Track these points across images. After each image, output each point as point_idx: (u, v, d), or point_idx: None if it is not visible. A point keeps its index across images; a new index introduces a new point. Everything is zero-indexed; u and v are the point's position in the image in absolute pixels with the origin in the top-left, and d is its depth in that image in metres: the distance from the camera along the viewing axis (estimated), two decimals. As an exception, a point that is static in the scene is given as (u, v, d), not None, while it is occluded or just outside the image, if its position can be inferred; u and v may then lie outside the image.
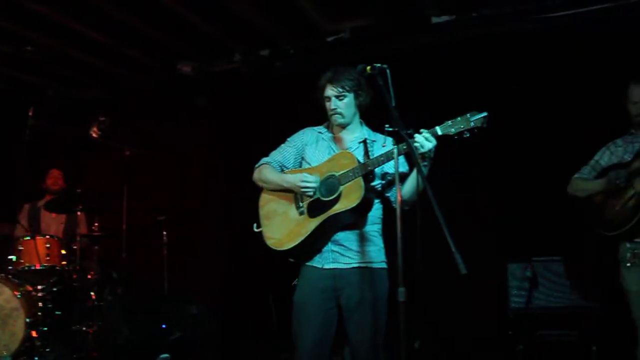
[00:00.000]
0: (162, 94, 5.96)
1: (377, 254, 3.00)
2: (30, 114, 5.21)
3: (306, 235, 2.94)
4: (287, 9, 4.80)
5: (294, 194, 3.07)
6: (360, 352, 2.95)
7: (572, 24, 4.54)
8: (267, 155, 3.25)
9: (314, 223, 2.93)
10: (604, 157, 3.74)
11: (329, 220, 2.91)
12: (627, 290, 3.51)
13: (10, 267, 4.85)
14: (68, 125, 6.22)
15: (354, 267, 2.96)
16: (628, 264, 3.48)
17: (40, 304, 4.66)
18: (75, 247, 5.14)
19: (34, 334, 4.51)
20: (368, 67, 2.63)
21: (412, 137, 2.64)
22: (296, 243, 2.96)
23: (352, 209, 2.84)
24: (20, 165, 5.65)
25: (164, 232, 5.52)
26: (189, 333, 4.50)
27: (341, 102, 3.04)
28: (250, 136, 5.18)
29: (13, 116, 6.03)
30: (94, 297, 5.02)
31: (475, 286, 4.73)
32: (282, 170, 3.19)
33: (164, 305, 4.69)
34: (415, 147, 2.71)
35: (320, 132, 3.20)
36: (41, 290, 4.75)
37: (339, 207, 2.87)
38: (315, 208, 2.96)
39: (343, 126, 3.13)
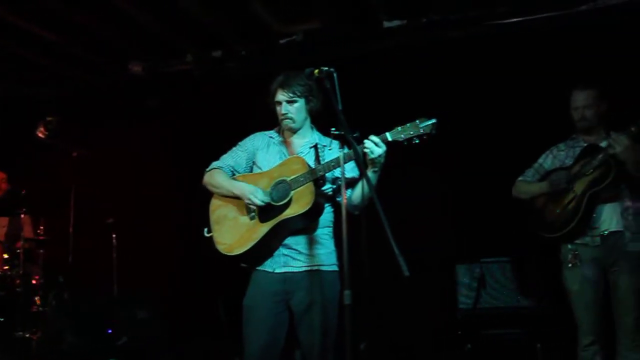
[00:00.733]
0: (113, 94, 5.83)
1: (327, 257, 3.01)
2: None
3: (257, 240, 2.93)
4: (240, 10, 4.77)
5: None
6: (311, 355, 2.95)
7: (520, 30, 4.65)
8: (217, 159, 3.23)
9: (265, 228, 2.93)
10: (547, 160, 3.85)
11: (279, 225, 2.91)
12: (569, 290, 3.62)
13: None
14: (14, 124, 6.03)
15: (304, 271, 2.96)
16: (569, 265, 3.59)
17: (-19, 311, 4.52)
18: (18, 250, 4.99)
19: (-25, 341, 4.37)
20: (316, 71, 2.64)
21: (358, 140, 2.66)
22: (247, 248, 2.95)
23: (303, 214, 2.85)
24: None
25: (113, 235, 5.41)
26: (137, 337, 4.42)
27: (292, 107, 3.04)
28: (202, 138, 5.13)
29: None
30: (38, 302, 4.88)
31: (425, 287, 4.82)
32: (234, 174, 3.17)
33: (111, 309, 4.58)
34: (365, 153, 2.75)
35: (271, 137, 3.20)
36: (-18, 296, 4.61)
37: (289, 212, 2.88)
38: (266, 213, 2.95)
39: (294, 131, 3.13)
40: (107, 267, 5.30)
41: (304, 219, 2.89)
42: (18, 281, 4.86)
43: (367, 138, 2.76)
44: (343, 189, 2.54)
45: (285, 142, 3.16)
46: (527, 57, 4.66)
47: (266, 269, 3.00)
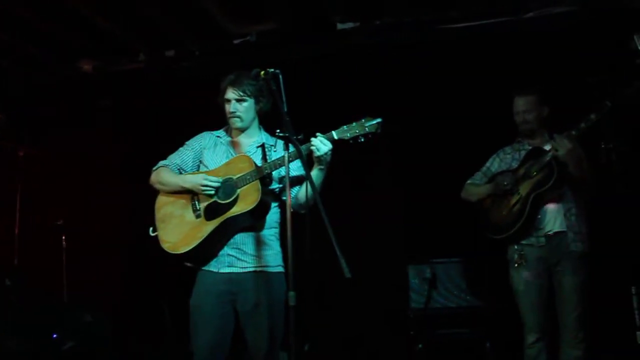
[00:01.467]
0: (62, 92, 5.69)
1: (273, 258, 3.01)
2: None
3: (202, 238, 2.91)
4: (193, 10, 4.71)
5: (190, 197, 3.04)
6: (258, 356, 2.94)
7: (470, 35, 4.73)
8: (166, 158, 3.20)
9: (211, 226, 2.91)
10: (494, 163, 3.94)
11: (225, 223, 2.89)
12: (515, 289, 3.70)
13: None
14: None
15: (249, 272, 2.95)
16: (515, 265, 3.67)
17: None
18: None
19: None
20: (262, 72, 2.64)
21: (301, 141, 2.68)
22: (192, 247, 2.92)
23: (249, 211, 2.85)
24: None
25: (63, 237, 5.27)
26: (83, 342, 4.31)
27: (241, 106, 3.05)
28: (153, 137, 5.05)
29: None
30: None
31: (377, 288, 4.87)
32: (181, 173, 3.14)
33: (56, 314, 4.45)
34: (312, 151, 2.78)
35: (218, 136, 3.19)
36: None
37: (236, 210, 2.87)
38: (212, 211, 2.94)
39: (241, 130, 3.13)
40: (56, 270, 5.15)
41: (250, 217, 2.88)
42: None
43: (313, 137, 2.78)
44: (288, 189, 2.55)
45: (233, 142, 3.16)
46: (476, 61, 4.73)
47: (211, 269, 2.98)
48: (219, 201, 2.93)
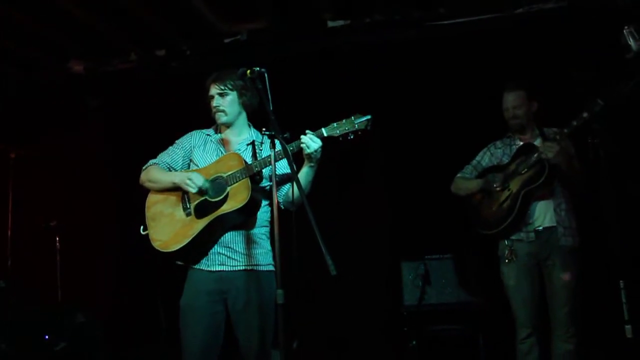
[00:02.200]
0: (52, 93, 5.67)
1: (264, 257, 3.01)
2: None
3: (193, 236, 2.90)
4: (184, 10, 4.72)
5: (181, 195, 3.04)
6: (250, 355, 2.94)
7: (460, 32, 4.75)
8: (156, 157, 3.20)
9: (201, 224, 2.91)
10: (485, 157, 3.95)
11: (216, 221, 2.89)
12: (506, 284, 3.72)
13: None
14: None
15: (240, 270, 2.95)
16: (506, 260, 3.68)
17: None
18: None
19: None
20: (248, 71, 2.65)
21: (287, 140, 2.69)
22: (182, 245, 2.92)
23: (240, 209, 2.85)
24: None
25: (57, 238, 5.25)
26: (75, 342, 4.30)
27: (224, 100, 3.06)
28: (145, 137, 5.03)
29: None
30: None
31: (371, 285, 4.88)
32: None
33: (48, 315, 4.44)
34: (302, 148, 2.79)
35: (208, 135, 3.20)
36: None
37: (226, 208, 2.87)
38: (203, 209, 2.94)
39: (228, 126, 3.13)
40: (49, 271, 5.14)
41: (241, 214, 2.88)
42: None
43: (303, 134, 2.79)
44: (274, 187, 2.55)
45: (223, 140, 3.16)
46: (465, 58, 4.75)
47: (202, 268, 2.98)
48: (209, 199, 2.93)
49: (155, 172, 3.10)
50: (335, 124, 2.81)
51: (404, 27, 4.85)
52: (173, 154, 3.17)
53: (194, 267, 3.00)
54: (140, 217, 3.12)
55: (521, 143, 3.79)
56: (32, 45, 5.27)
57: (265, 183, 3.01)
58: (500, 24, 4.70)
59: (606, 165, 3.09)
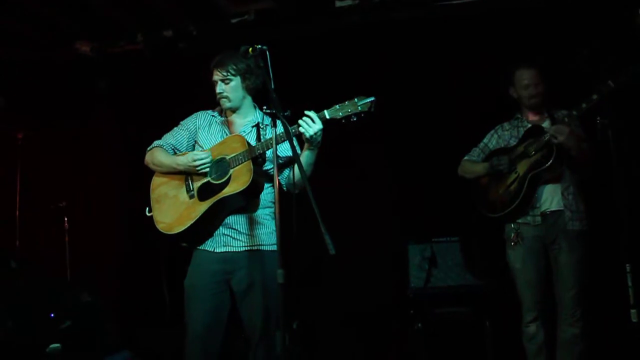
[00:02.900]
0: (60, 74, 5.68)
1: (268, 237, 3.00)
2: None
3: (196, 218, 2.91)
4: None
5: (184, 178, 3.04)
6: (254, 335, 2.96)
7: (468, 11, 4.68)
8: (161, 138, 3.20)
9: (204, 206, 2.91)
10: (492, 140, 3.90)
11: (219, 203, 2.90)
12: (512, 267, 3.69)
13: None
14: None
15: (244, 250, 2.96)
16: (512, 243, 3.65)
17: None
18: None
19: None
20: (250, 49, 2.62)
21: (288, 118, 2.66)
22: (186, 227, 2.93)
23: (242, 192, 2.84)
24: None
25: (65, 219, 5.29)
26: (81, 321, 4.35)
27: (227, 86, 3.04)
28: (152, 118, 5.03)
29: None
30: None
31: (378, 267, 4.87)
32: (175, 153, 3.15)
33: (53, 293, 4.48)
34: (301, 132, 2.77)
35: (213, 116, 3.19)
36: None
37: (228, 190, 2.87)
38: (206, 191, 2.94)
39: (233, 110, 3.12)
40: (58, 251, 5.19)
41: (243, 197, 2.88)
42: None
43: (302, 115, 2.76)
44: (275, 168, 2.53)
45: (227, 122, 3.15)
46: (475, 38, 4.68)
47: (206, 249, 3.00)
48: (212, 181, 2.93)
49: (158, 155, 3.11)
50: (338, 106, 2.78)
51: (413, 6, 4.77)
52: (177, 135, 3.17)
53: (198, 247, 3.02)
54: (147, 198, 3.13)
55: (529, 125, 3.72)
56: (38, 27, 5.26)
57: (268, 165, 3.00)
58: (510, 4, 4.62)
59: (615, 146, 3.04)
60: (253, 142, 2.96)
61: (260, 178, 2.91)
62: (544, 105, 3.73)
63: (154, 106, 5.29)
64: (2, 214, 5.14)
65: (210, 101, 3.21)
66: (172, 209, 3.00)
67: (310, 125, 2.74)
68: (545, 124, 3.64)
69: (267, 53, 2.58)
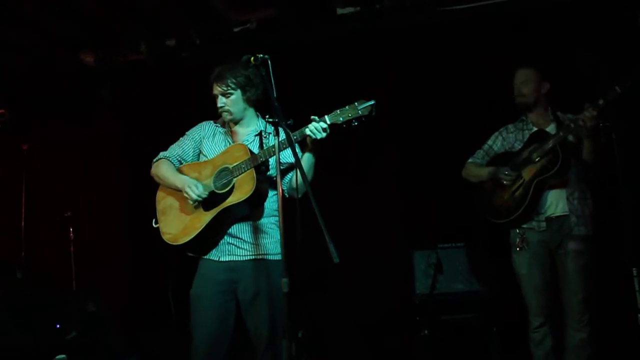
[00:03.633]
0: (64, 84, 5.70)
1: (273, 246, 3.00)
2: None
3: (201, 228, 2.92)
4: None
5: None
6: (260, 344, 2.95)
7: (470, 17, 4.68)
8: (167, 149, 3.21)
9: (209, 216, 2.92)
10: (497, 142, 3.89)
11: (223, 213, 2.90)
12: (518, 273, 3.67)
13: None
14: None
15: (249, 259, 2.96)
16: (517, 248, 3.63)
17: None
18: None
19: None
20: (252, 58, 2.62)
21: (292, 127, 2.67)
22: (191, 237, 2.94)
23: (245, 200, 2.84)
24: None
25: (71, 229, 5.30)
26: (87, 331, 4.35)
27: (227, 100, 3.05)
28: (156, 128, 5.04)
29: None
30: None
31: (383, 273, 4.86)
32: (181, 163, 3.17)
33: (59, 304, 4.49)
34: (307, 135, 2.78)
35: (217, 126, 3.20)
36: None
37: (232, 200, 2.87)
38: (210, 201, 2.95)
39: (236, 122, 3.13)
40: (63, 262, 5.20)
41: (247, 205, 2.88)
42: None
43: (309, 122, 2.77)
44: (278, 176, 2.53)
45: (231, 132, 3.16)
46: (477, 42, 4.68)
47: (212, 258, 3.00)
48: (216, 191, 2.94)
49: (163, 169, 3.12)
50: (338, 110, 2.77)
51: (414, 12, 4.78)
52: (184, 145, 3.18)
53: (204, 257, 3.03)
54: (152, 207, 3.15)
55: (534, 129, 3.70)
56: (42, 38, 5.29)
57: (272, 173, 2.99)
58: (512, 8, 4.62)
59: (619, 149, 3.02)
60: (256, 151, 2.96)
61: (263, 186, 2.91)
62: (547, 107, 3.72)
63: (158, 115, 5.30)
64: (8, 225, 5.15)
65: (213, 110, 3.22)
66: (178, 219, 3.02)
67: (320, 131, 2.75)
68: (550, 128, 3.63)
69: (269, 62, 2.58)
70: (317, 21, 4.95)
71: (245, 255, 2.97)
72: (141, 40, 5.42)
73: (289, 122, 2.59)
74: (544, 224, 3.56)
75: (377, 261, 4.86)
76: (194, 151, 3.17)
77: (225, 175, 2.93)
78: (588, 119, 3.29)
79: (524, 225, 3.62)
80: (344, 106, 2.76)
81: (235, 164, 2.89)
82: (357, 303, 4.83)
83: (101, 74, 5.59)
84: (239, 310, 3.01)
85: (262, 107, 3.16)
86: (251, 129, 3.13)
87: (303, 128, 2.78)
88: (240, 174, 2.87)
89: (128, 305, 5.18)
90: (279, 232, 3.03)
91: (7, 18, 4.88)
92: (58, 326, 4.28)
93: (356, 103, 2.74)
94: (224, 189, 2.91)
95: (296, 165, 2.52)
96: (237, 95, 3.04)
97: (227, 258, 2.97)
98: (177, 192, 3.07)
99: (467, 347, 4.38)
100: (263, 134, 3.08)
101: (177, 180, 3.04)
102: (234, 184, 2.88)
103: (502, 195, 3.69)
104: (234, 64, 2.94)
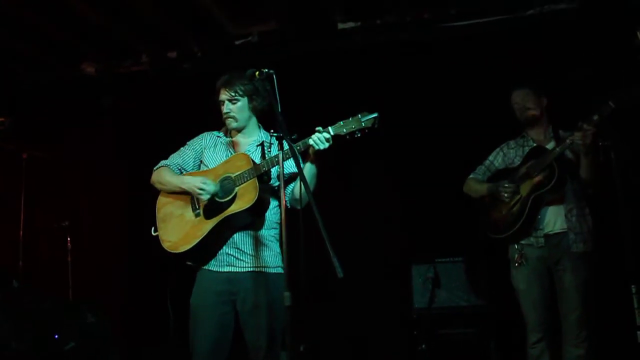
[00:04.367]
0: (65, 95, 5.72)
1: (272, 259, 3.01)
2: None
3: (202, 237, 2.92)
4: (195, 11, 4.75)
5: (190, 197, 3.05)
6: (258, 356, 2.94)
7: (470, 33, 4.73)
8: (168, 158, 3.22)
9: (210, 225, 2.92)
10: (498, 157, 3.92)
11: (224, 221, 2.90)
12: (516, 288, 3.68)
13: None
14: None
15: (248, 271, 2.96)
16: (516, 264, 3.64)
17: None
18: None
19: None
20: (257, 73, 2.64)
21: (295, 141, 2.69)
22: (192, 245, 2.93)
23: (248, 209, 2.85)
24: None
25: (68, 238, 5.29)
26: (85, 342, 4.32)
27: (234, 106, 3.07)
28: (156, 139, 5.05)
29: None
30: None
31: (382, 287, 4.86)
32: (181, 172, 3.17)
33: (58, 314, 4.46)
34: (310, 145, 2.79)
35: (218, 136, 3.21)
36: None
37: (234, 208, 2.88)
38: (211, 209, 2.95)
39: (239, 130, 3.14)
40: (61, 271, 5.18)
41: (249, 214, 2.89)
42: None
43: (313, 132, 2.79)
44: (282, 189, 2.53)
45: (233, 142, 3.17)
46: (477, 59, 4.73)
47: (211, 268, 3.00)
48: (218, 199, 2.94)
49: (165, 175, 3.12)
50: (342, 122, 2.80)
51: (415, 28, 4.82)
52: (184, 155, 3.19)
53: (203, 267, 3.02)
54: (151, 217, 3.14)
55: (534, 144, 3.74)
56: (44, 47, 5.31)
57: (274, 183, 3.01)
58: (512, 25, 4.67)
59: (618, 167, 3.05)
60: (258, 161, 2.97)
61: (265, 195, 2.92)
62: (548, 123, 3.75)
63: (159, 126, 5.31)
64: (6, 234, 5.13)
65: (214, 121, 3.24)
66: (178, 227, 3.01)
67: (323, 141, 2.76)
68: (550, 145, 3.66)
69: (274, 77, 2.61)
70: (317, 35, 4.99)
71: (244, 267, 2.96)
72: (143, 51, 5.46)
73: (293, 137, 2.62)
74: (542, 240, 3.58)
75: (376, 275, 4.86)
76: (194, 161, 3.18)
77: (227, 183, 2.93)
78: (584, 135, 3.33)
79: (523, 241, 3.64)
80: (348, 118, 2.78)
81: (237, 173, 2.90)
82: (355, 317, 4.82)
83: (102, 84, 5.61)
84: (237, 321, 3.00)
85: (264, 118, 3.18)
86: (253, 139, 3.15)
87: (306, 138, 2.80)
88: (243, 183, 2.88)
89: (126, 315, 5.15)
90: (278, 245, 3.06)
91: (10, 27, 4.90)
92: (56, 337, 4.25)
93: (359, 115, 2.77)
94: (226, 197, 2.92)
95: (299, 176, 2.53)
96: (243, 102, 3.07)
97: (227, 269, 2.97)
98: (178, 198, 3.07)
99: (464, 362, 4.38)
100: (265, 144, 3.10)
101: (183, 182, 3.03)
102: (236, 192, 2.89)
103: (501, 211, 3.71)
104: (241, 71, 2.96)
